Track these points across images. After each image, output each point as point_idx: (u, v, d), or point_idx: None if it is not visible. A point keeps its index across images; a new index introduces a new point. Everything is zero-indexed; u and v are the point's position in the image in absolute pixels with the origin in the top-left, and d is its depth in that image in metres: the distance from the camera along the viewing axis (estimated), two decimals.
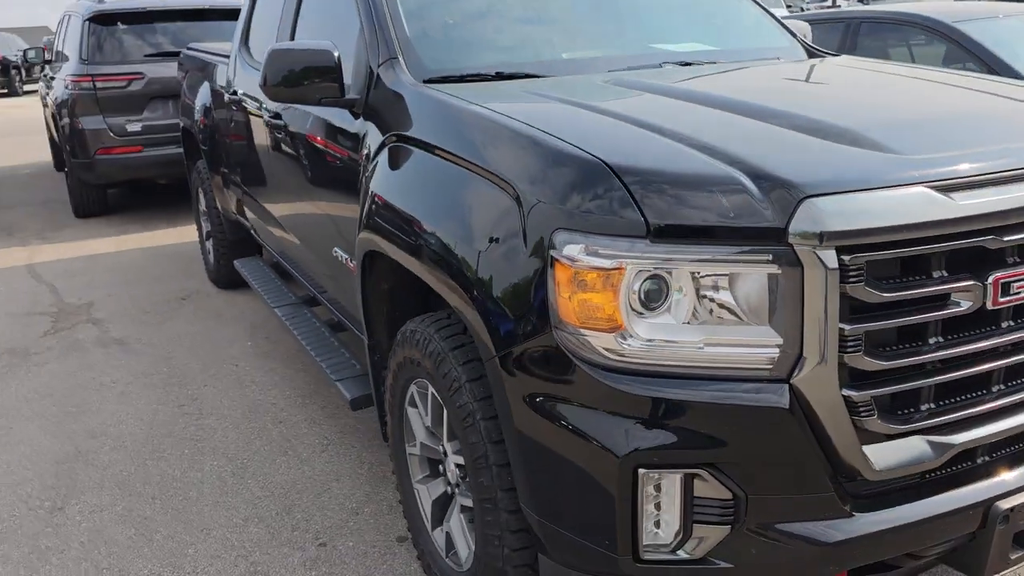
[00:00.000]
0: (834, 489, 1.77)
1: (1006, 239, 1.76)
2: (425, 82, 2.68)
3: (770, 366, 1.71)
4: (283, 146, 3.65)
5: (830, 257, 1.64)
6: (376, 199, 2.53)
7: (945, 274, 1.75)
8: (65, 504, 3.24)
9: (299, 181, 3.50)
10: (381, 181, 2.55)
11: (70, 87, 7.50)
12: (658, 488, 1.78)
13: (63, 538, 3.01)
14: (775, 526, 1.77)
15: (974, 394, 1.88)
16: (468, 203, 2.10)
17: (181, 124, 5.98)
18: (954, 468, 1.91)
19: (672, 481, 1.76)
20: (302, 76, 2.80)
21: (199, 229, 6.11)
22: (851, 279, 1.65)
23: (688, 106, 2.20)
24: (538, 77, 2.72)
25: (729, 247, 1.68)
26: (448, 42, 2.95)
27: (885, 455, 1.79)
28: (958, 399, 1.86)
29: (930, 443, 1.83)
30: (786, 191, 1.67)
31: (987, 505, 1.86)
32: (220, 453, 3.56)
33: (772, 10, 3.75)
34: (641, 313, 1.73)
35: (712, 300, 1.72)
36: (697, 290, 1.72)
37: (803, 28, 3.77)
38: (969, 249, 1.76)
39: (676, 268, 1.70)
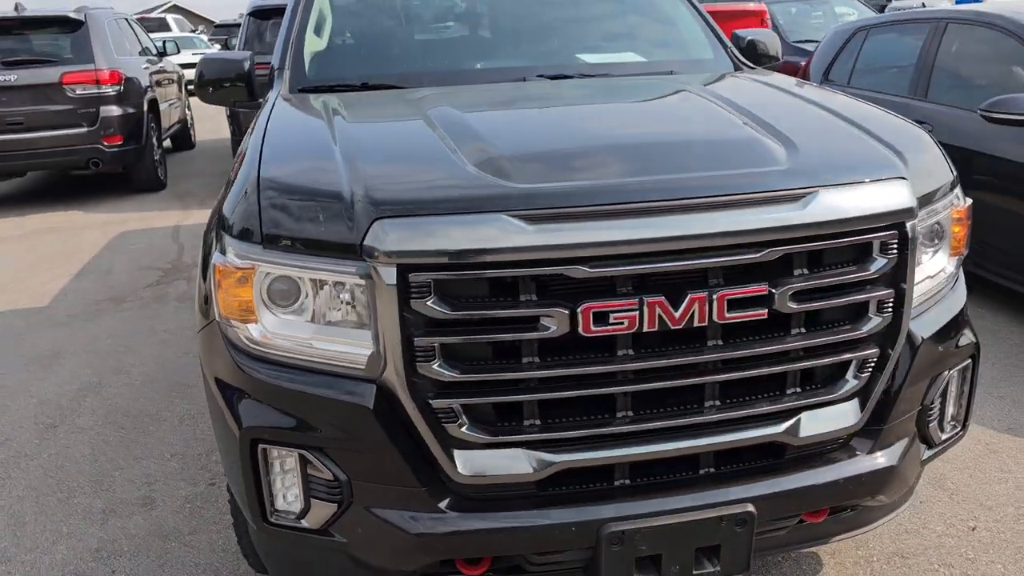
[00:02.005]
0: (425, 485, 1.93)
1: (595, 270, 1.81)
2: (300, 90, 3.03)
3: (363, 367, 1.91)
4: None
5: (389, 274, 1.80)
6: None
7: (534, 298, 1.84)
8: (60, 423, 3.97)
9: None
10: None
11: None
12: (292, 462, 2.04)
13: (40, 449, 3.73)
14: (375, 510, 1.97)
15: (591, 417, 1.94)
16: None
17: None
18: (579, 486, 1.99)
19: (293, 458, 2.01)
20: (220, 80, 3.26)
21: None
22: (414, 295, 1.81)
23: (416, 126, 2.36)
24: (394, 88, 2.97)
25: (325, 258, 1.89)
26: (337, 55, 3.28)
27: (476, 462, 1.92)
28: (566, 419, 1.93)
29: (532, 458, 1.92)
30: (367, 210, 1.85)
31: (597, 526, 1.92)
32: (198, 399, 4.14)
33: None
34: (272, 310, 1.99)
35: (329, 303, 1.94)
36: (316, 293, 1.95)
37: (768, 39, 3.64)
38: (559, 276, 1.83)
39: (296, 272, 1.94)
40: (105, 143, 8.67)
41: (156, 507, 3.23)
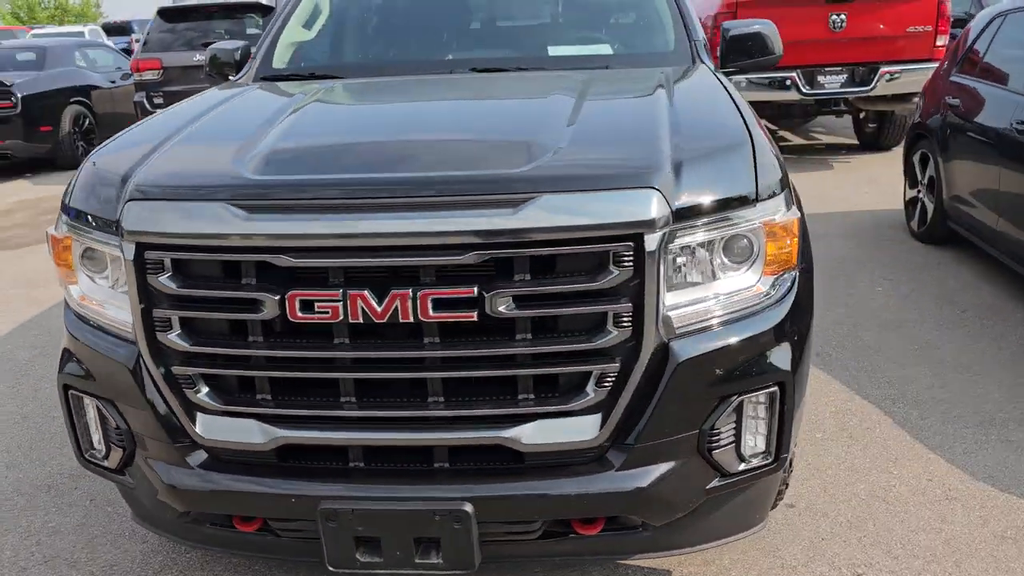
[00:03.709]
0: (178, 443, 2.14)
1: (297, 261, 1.90)
2: (263, 78, 3.32)
3: (129, 331, 2.14)
4: None
5: (130, 250, 2.02)
6: None
7: (252, 282, 1.97)
8: None
9: None
10: None
11: None
12: (95, 410, 2.32)
13: None
14: (149, 459, 2.21)
15: (316, 399, 2.04)
16: None
17: None
18: (312, 463, 2.11)
19: (94, 407, 2.30)
20: (219, 66, 3.64)
21: None
22: (149, 271, 2.01)
23: (265, 115, 2.51)
24: (330, 78, 3.17)
25: (104, 233, 2.14)
26: (304, 47, 3.52)
27: (214, 427, 2.10)
28: (295, 398, 2.05)
29: (261, 429, 2.07)
30: (128, 192, 2.07)
31: (315, 502, 2.04)
32: None
33: None
34: (90, 276, 2.28)
35: (112, 271, 2.20)
36: (113, 263, 2.21)
37: (768, 31, 3.39)
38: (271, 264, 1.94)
39: (95, 245, 2.20)
40: None
41: None
